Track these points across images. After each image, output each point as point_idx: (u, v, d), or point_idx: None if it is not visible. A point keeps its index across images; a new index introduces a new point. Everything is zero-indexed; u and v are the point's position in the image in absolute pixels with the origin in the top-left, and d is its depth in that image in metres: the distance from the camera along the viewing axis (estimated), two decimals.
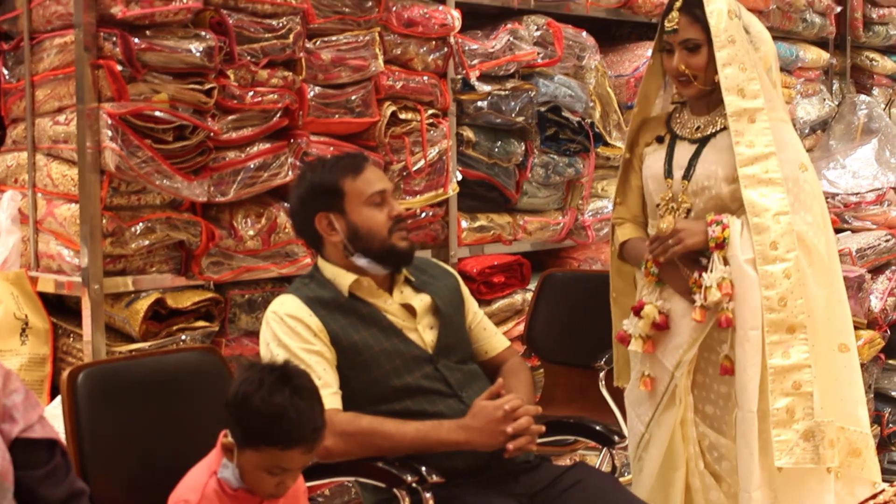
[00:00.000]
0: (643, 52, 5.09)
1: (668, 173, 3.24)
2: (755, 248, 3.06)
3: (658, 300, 3.21)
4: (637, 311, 3.24)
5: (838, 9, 6.87)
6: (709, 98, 3.24)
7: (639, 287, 3.37)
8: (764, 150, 3.11)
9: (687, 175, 3.20)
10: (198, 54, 3.29)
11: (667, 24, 3.22)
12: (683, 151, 3.24)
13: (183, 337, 3.35)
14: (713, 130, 3.22)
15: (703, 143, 3.22)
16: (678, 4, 3.20)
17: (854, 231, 6.05)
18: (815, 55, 6.61)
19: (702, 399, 3.22)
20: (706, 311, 3.09)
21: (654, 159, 3.31)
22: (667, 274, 3.19)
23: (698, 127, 3.26)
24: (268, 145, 3.55)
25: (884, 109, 7.14)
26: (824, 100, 6.78)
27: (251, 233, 3.52)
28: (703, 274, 3.09)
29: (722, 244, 3.08)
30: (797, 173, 3.17)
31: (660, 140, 3.32)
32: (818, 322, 3.12)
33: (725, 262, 3.09)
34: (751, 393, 3.04)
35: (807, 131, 6.60)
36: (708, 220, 3.11)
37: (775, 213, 3.08)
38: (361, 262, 2.86)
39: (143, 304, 3.30)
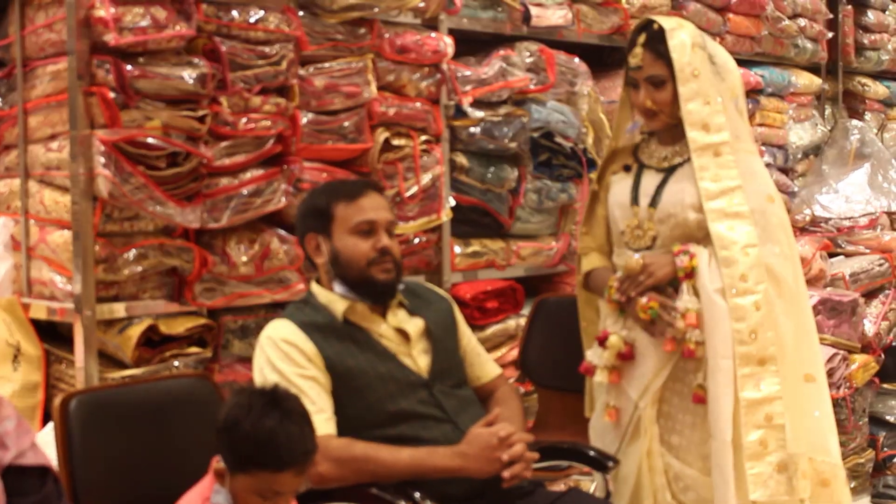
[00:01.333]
0: None
1: (635, 201, 3.25)
2: (724, 281, 3.06)
3: (623, 329, 3.20)
4: (602, 341, 3.22)
5: (830, 35, 6.90)
6: (675, 129, 3.25)
7: (602, 316, 3.36)
8: (729, 183, 3.12)
9: (653, 203, 3.21)
10: (191, 81, 3.29)
11: (631, 60, 3.23)
12: (650, 180, 3.26)
13: (176, 363, 3.35)
14: (680, 161, 3.24)
15: (669, 171, 3.24)
16: (641, 40, 3.21)
17: (847, 255, 6.06)
18: (807, 80, 6.64)
19: (667, 429, 3.21)
20: (675, 340, 3.09)
21: (620, 187, 3.31)
22: (631, 306, 3.18)
23: (665, 156, 3.28)
24: (261, 171, 3.55)
25: (876, 134, 7.17)
26: (817, 125, 6.81)
27: (244, 259, 3.52)
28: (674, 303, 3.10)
29: (691, 273, 3.09)
30: (764, 205, 3.18)
31: (627, 169, 3.33)
32: (787, 353, 3.12)
33: (696, 291, 3.09)
34: (724, 423, 3.02)
35: (799, 156, 6.61)
36: (675, 250, 3.12)
37: (743, 245, 3.08)
38: (339, 289, 2.87)
39: (135, 331, 3.29)
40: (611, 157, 3.44)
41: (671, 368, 3.16)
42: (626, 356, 3.18)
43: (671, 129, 3.26)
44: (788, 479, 3.02)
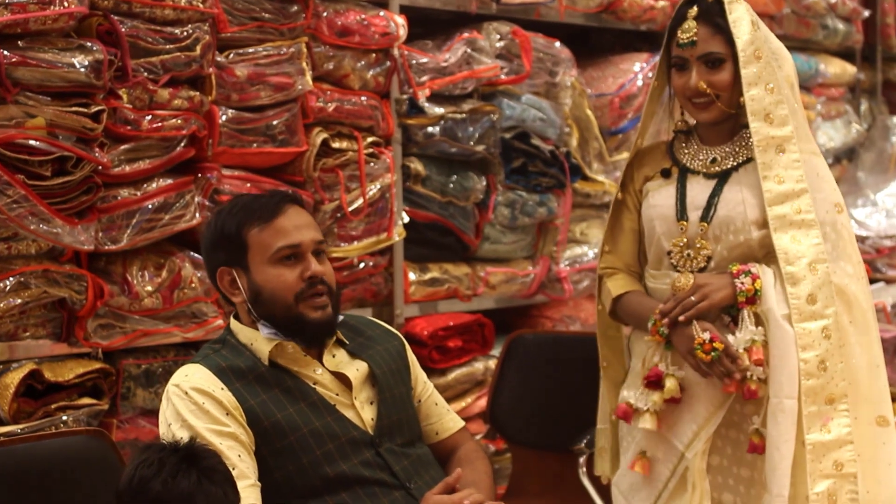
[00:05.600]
0: (629, 67, 5.14)
1: (682, 214, 3.27)
2: (790, 303, 3.10)
3: (669, 367, 3.22)
4: (653, 381, 3.22)
5: (866, 13, 6.96)
6: (723, 125, 3.28)
7: (637, 351, 3.37)
8: (795, 186, 3.16)
9: (706, 216, 3.23)
10: (82, 70, 3.29)
11: (681, 35, 3.25)
12: (699, 188, 3.27)
13: (64, 417, 3.34)
14: (734, 163, 3.25)
15: (723, 177, 3.25)
16: (693, 13, 3.24)
17: (888, 282, 6.10)
18: (838, 69, 6.70)
19: (718, 486, 3.24)
20: (738, 380, 3.11)
21: (661, 197, 3.32)
22: (678, 338, 3.20)
23: (714, 159, 3.29)
24: (170, 181, 3.56)
25: None
26: (850, 123, 6.87)
27: (149, 288, 3.52)
28: (734, 335, 3.12)
29: (753, 298, 3.11)
30: (834, 216, 3.22)
31: (665, 174, 3.35)
32: (860, 389, 3.16)
33: (758, 320, 3.12)
34: (782, 474, 3.05)
35: (830, 161, 6.66)
36: (734, 270, 3.14)
37: (811, 261, 3.12)
38: (266, 331, 2.87)
39: (14, 378, 3.28)
40: (637, 159, 3.45)
41: (725, 411, 3.18)
42: (677, 399, 3.20)
43: (719, 125, 3.29)
44: None
